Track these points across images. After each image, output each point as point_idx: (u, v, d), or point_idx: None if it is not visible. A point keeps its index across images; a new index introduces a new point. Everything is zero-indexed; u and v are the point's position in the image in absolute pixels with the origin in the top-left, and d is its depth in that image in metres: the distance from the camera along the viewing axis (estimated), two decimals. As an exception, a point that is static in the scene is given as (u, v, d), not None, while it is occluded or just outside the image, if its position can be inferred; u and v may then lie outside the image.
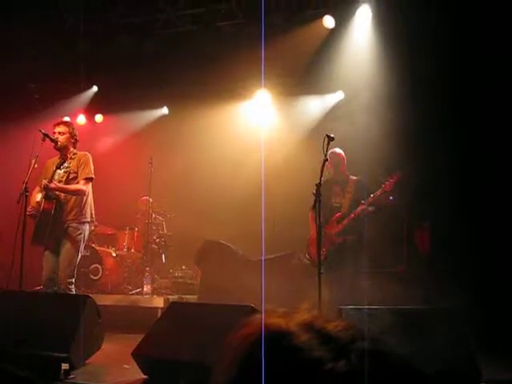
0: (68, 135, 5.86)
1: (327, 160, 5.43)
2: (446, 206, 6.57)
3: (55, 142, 5.82)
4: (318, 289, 5.09)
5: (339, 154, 6.25)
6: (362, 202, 5.94)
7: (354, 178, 6.26)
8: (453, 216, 6.50)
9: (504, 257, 6.03)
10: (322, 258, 5.70)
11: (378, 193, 5.90)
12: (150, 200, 8.25)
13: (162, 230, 8.62)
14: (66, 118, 9.27)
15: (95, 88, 9.58)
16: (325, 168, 5.39)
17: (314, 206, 5.83)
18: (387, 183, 5.86)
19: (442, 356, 3.53)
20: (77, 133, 5.98)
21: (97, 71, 8.84)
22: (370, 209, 5.93)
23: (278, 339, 0.74)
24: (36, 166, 5.72)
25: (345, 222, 6.03)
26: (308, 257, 6.28)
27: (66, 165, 5.82)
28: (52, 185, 5.60)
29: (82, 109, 9.62)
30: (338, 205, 6.16)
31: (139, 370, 4.29)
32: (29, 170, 5.66)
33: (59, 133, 5.84)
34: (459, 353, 3.80)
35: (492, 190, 6.38)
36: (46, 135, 5.77)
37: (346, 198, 6.17)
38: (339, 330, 0.76)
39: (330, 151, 5.82)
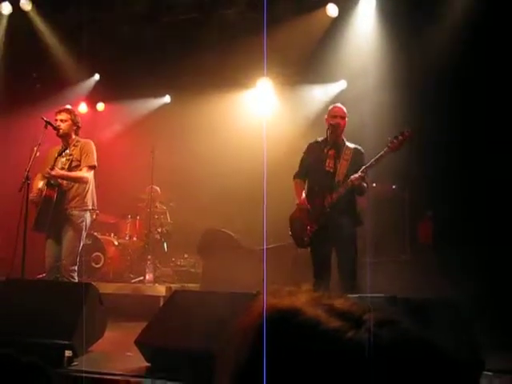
0: (70, 122, 5.83)
1: (330, 149, 5.36)
2: (449, 196, 6.56)
3: (57, 129, 5.80)
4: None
5: (340, 110, 5.45)
6: (363, 168, 5.13)
7: (352, 145, 5.42)
8: (456, 206, 6.50)
9: (507, 246, 6.02)
10: (309, 235, 5.30)
11: (384, 153, 5.09)
12: (158, 189, 8.30)
13: (165, 218, 8.62)
14: (68, 106, 9.29)
15: (97, 76, 9.56)
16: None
17: (299, 174, 5.54)
18: (395, 141, 5.08)
19: (445, 344, 3.54)
20: (79, 120, 5.95)
21: (98, 59, 8.82)
22: (364, 184, 5.19)
23: (291, 316, 0.73)
24: (38, 154, 5.70)
25: (341, 190, 5.17)
26: (290, 234, 5.55)
27: (68, 152, 5.80)
28: (54, 171, 5.58)
29: (83, 97, 9.60)
30: (331, 170, 5.28)
31: (142, 357, 4.29)
32: (31, 159, 5.65)
33: (61, 120, 5.81)
34: (462, 341, 3.81)
35: (495, 179, 6.36)
36: (48, 123, 5.75)
37: (342, 164, 5.29)
38: (349, 305, 0.76)
39: (330, 106, 5.49)
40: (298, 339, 0.71)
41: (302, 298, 0.77)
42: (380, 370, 0.67)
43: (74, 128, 5.87)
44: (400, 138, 5.08)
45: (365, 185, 5.24)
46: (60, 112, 5.90)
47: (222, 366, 0.79)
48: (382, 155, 5.10)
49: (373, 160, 5.14)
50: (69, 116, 5.85)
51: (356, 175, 5.11)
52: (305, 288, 0.80)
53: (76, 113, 6.10)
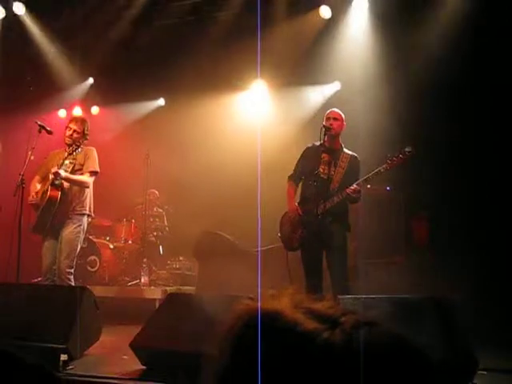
0: (82, 134, 5.86)
1: (324, 151, 5.35)
2: (444, 196, 6.57)
3: (51, 133, 5.85)
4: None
5: (334, 112, 5.38)
6: (359, 179, 5.13)
7: (349, 152, 5.37)
8: (451, 206, 6.51)
9: (503, 246, 6.04)
10: (299, 240, 5.33)
11: (382, 169, 5.03)
12: (157, 192, 8.32)
13: (161, 221, 8.62)
14: (63, 111, 9.30)
15: (91, 80, 9.56)
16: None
17: (293, 177, 5.55)
18: (395, 159, 5.01)
19: (439, 344, 3.54)
20: (88, 130, 5.95)
21: (92, 63, 8.82)
22: (357, 195, 5.11)
23: (270, 320, 0.75)
24: (32, 157, 5.72)
25: (335, 199, 5.14)
26: (279, 236, 5.53)
27: (72, 156, 5.81)
28: (62, 172, 5.61)
29: (78, 101, 9.59)
30: (325, 176, 5.24)
31: (138, 360, 4.29)
32: (25, 162, 5.66)
33: (74, 131, 5.83)
34: (456, 341, 3.81)
35: (491, 179, 6.37)
36: (42, 127, 5.78)
37: (338, 171, 5.24)
38: (327, 307, 0.77)
39: (328, 110, 5.41)
40: (276, 341, 0.73)
41: (283, 301, 0.79)
42: (356, 371, 0.68)
43: (82, 138, 5.88)
44: (400, 156, 5.02)
45: (359, 195, 5.19)
46: (76, 121, 5.95)
47: (207, 367, 0.81)
48: (380, 171, 5.06)
49: (370, 174, 5.10)
50: (82, 128, 5.87)
51: (352, 187, 5.07)
52: (288, 291, 0.82)
53: (88, 122, 6.06)
